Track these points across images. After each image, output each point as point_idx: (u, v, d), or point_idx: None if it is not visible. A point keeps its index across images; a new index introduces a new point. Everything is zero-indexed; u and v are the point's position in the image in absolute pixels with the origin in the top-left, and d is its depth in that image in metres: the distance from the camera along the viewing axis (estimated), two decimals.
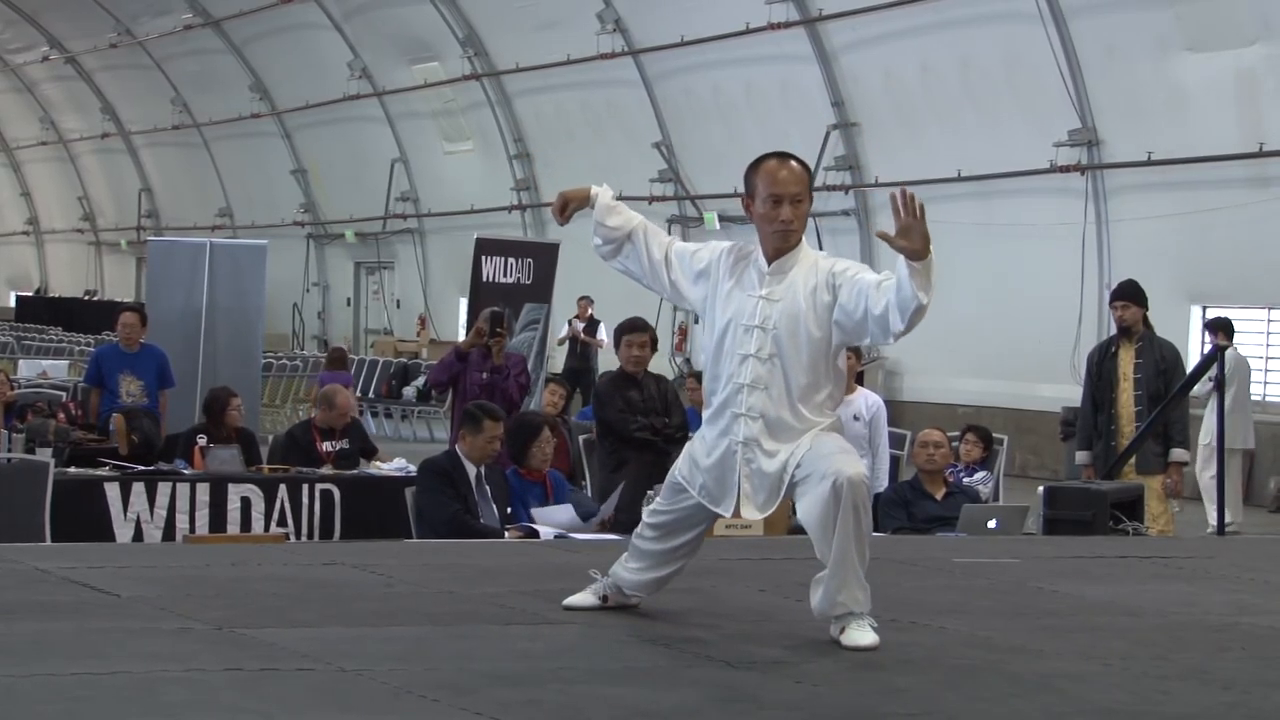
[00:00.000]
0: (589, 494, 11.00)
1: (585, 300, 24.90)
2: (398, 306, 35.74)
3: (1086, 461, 11.58)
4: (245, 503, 11.41)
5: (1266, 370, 19.75)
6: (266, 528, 11.35)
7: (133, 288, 43.25)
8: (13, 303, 46.21)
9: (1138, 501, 10.49)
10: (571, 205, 6.07)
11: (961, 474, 11.63)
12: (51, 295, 46.78)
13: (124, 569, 7.03)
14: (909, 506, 10.16)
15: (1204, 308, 19.50)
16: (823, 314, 5.68)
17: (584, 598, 6.17)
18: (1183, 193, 19.71)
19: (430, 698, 4.70)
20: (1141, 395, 11.36)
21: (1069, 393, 18.30)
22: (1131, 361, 11.45)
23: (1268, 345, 19.84)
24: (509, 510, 9.58)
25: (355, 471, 12.03)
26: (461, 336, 18.56)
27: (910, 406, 22.62)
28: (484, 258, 16.31)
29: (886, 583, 6.11)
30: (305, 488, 11.59)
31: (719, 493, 5.81)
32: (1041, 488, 10.26)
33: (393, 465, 12.21)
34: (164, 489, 11.24)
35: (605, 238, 6.04)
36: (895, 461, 12.13)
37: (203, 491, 11.32)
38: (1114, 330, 11.96)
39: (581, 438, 12.57)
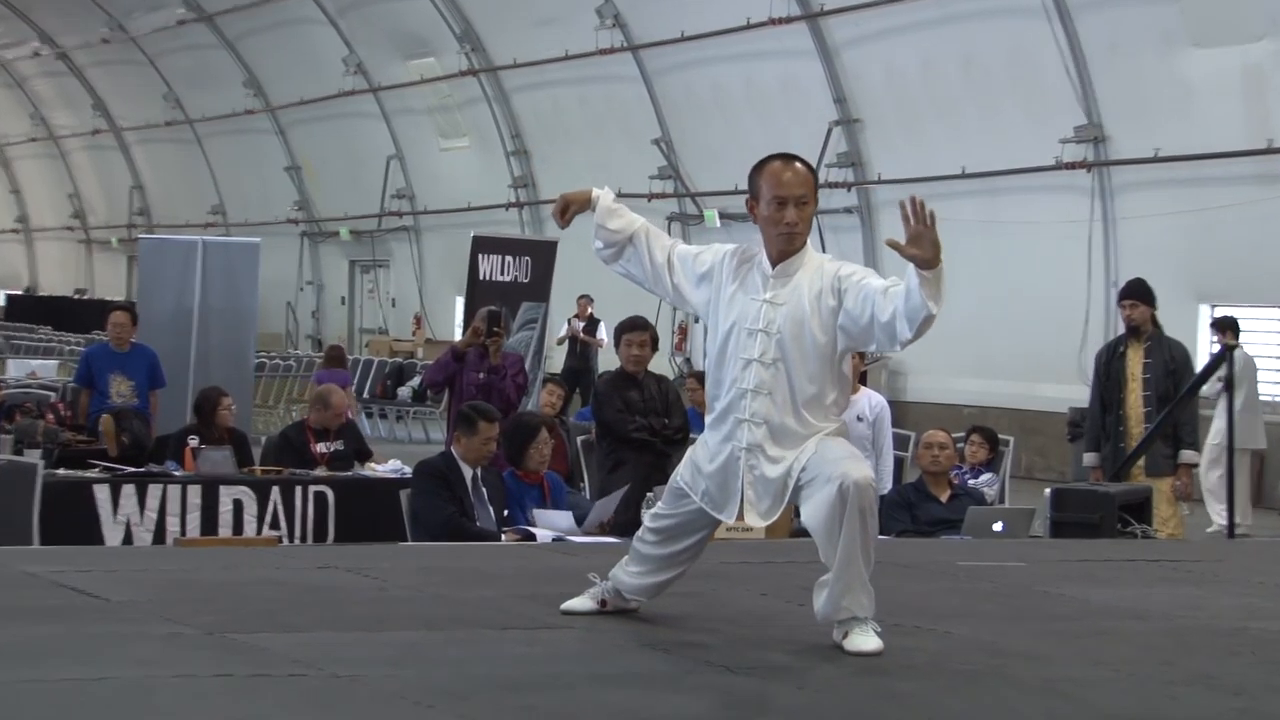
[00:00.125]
0: (587, 496, 10.99)
1: (585, 299, 24.89)
2: (393, 305, 35.74)
3: (1094, 463, 11.57)
4: (237, 505, 11.40)
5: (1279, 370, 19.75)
6: (259, 531, 11.34)
7: (124, 286, 43.25)
8: (2, 301, 46.21)
9: (1146, 504, 10.48)
10: (572, 208, 6.06)
11: (966, 476, 11.62)
12: (41, 294, 46.78)
13: (113, 572, 7.02)
14: (913, 509, 10.15)
15: (1212, 306, 19.48)
16: (827, 319, 5.67)
17: (582, 602, 6.16)
18: (1190, 190, 19.69)
19: (425, 704, 4.69)
20: (1150, 396, 11.35)
21: (1076, 393, 18.31)
22: (1140, 361, 11.44)
23: None
24: (506, 513, 9.56)
25: (350, 473, 12.01)
26: (458, 336, 18.56)
27: (914, 407, 22.62)
28: (481, 256, 16.31)
29: (890, 586, 6.10)
30: (299, 490, 11.58)
31: (722, 499, 5.80)
32: (1048, 490, 10.25)
33: (388, 467, 12.19)
34: (154, 491, 11.22)
35: (606, 241, 6.03)
36: (899, 463, 12.12)
37: (194, 494, 11.31)
38: (1122, 329, 11.95)
39: (580, 439, 12.56)
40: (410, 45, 32.19)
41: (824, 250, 6.53)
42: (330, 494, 11.64)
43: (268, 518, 11.45)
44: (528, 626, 5.98)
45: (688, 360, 27.18)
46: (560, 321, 24.67)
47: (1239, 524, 13.23)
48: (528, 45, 29.08)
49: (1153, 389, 11.35)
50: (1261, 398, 17.52)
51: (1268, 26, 19.05)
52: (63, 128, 45.79)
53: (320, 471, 11.92)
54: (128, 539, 11.05)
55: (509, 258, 16.51)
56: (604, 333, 23.85)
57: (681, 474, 5.93)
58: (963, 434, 12.10)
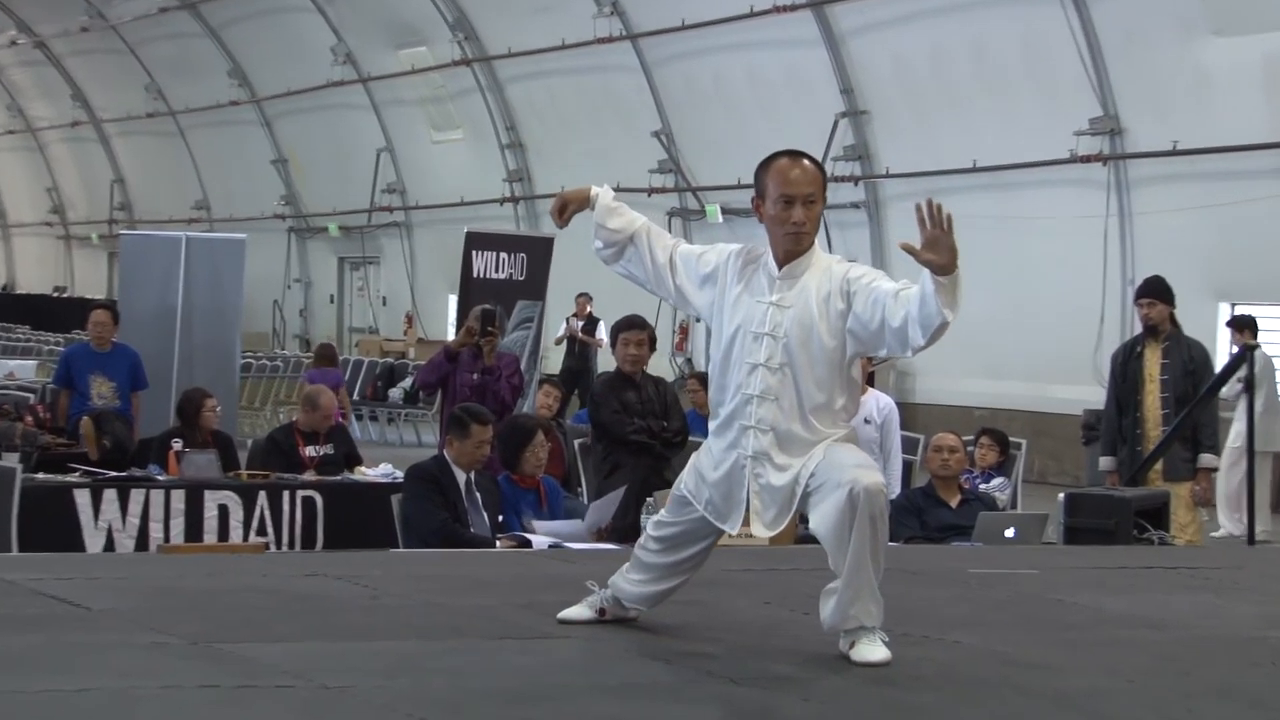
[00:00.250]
0: (585, 501, 11.00)
1: (584, 297, 24.88)
2: (383, 304, 35.75)
3: (1110, 467, 11.58)
4: (223, 510, 11.41)
5: None
6: (245, 537, 11.35)
7: (104, 284, 43.25)
8: None
9: (1163, 509, 10.49)
10: (570, 206, 6.07)
11: (977, 480, 11.63)
12: (19, 292, 46.77)
13: (95, 580, 7.03)
14: (922, 514, 10.16)
15: (1232, 305, 19.48)
16: (836, 322, 5.67)
17: (580, 610, 6.17)
18: (1210, 184, 19.70)
19: (418, 716, 4.70)
20: (1168, 397, 11.35)
21: (1090, 394, 18.30)
22: (1158, 362, 11.45)
23: None
24: (500, 518, 9.57)
25: (339, 478, 12.02)
26: (451, 335, 18.55)
27: (923, 409, 22.62)
28: (474, 252, 16.32)
29: (898, 594, 6.11)
30: (286, 495, 11.59)
31: (726, 508, 5.81)
32: (1062, 494, 10.26)
33: (378, 471, 12.20)
34: (137, 496, 11.23)
35: (606, 240, 6.04)
36: (908, 467, 12.13)
37: (178, 499, 11.32)
38: (1139, 329, 11.96)
39: (577, 442, 12.57)
40: (401, 34, 32.19)
41: (830, 247, 6.53)
42: (319, 499, 11.64)
43: (254, 524, 11.46)
44: (524, 636, 5.99)
45: (689, 361, 27.18)
46: (558, 320, 24.67)
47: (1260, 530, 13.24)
48: (523, 34, 29.08)
49: (1171, 390, 11.36)
50: None
51: None
52: (41, 119, 45.79)
53: (309, 476, 11.93)
54: (109, 545, 11.06)
55: (504, 254, 16.52)
56: (603, 332, 23.82)
57: (685, 481, 5.94)
58: (973, 437, 12.11)
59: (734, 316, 5.82)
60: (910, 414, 20.87)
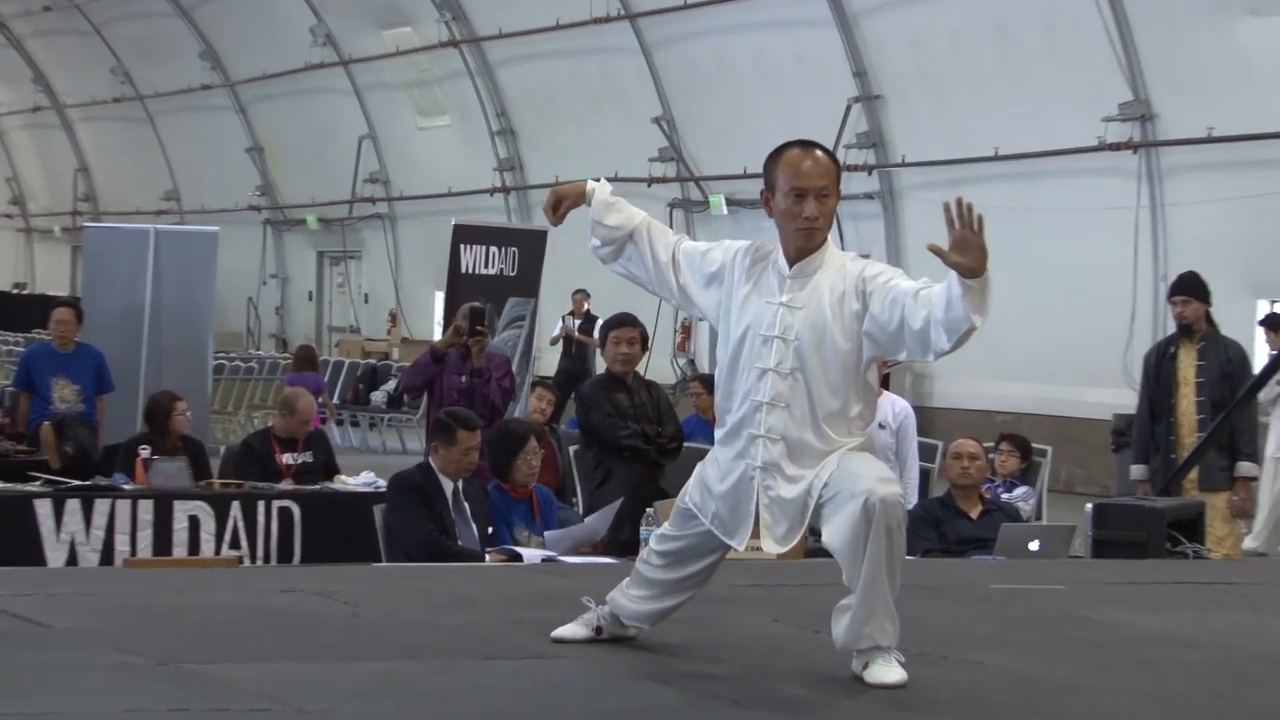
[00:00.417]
0: (579, 511, 10.99)
1: (581, 294, 24.86)
2: (365, 301, 35.76)
3: (1143, 476, 11.58)
4: (193, 522, 11.40)
5: None
6: (217, 550, 11.35)
7: (67, 280, 43.25)
8: None
9: (1198, 520, 10.49)
10: (565, 202, 6.07)
11: (999, 489, 11.63)
12: None
13: (57, 596, 7.02)
14: (940, 526, 10.16)
15: (1271, 302, 19.50)
16: (851, 324, 5.66)
17: (575, 629, 6.17)
18: (1247, 173, 19.70)
19: None
20: (1204, 402, 11.35)
21: (1121, 398, 18.29)
22: (1193, 364, 11.45)
23: None
24: (490, 530, 9.57)
25: (318, 487, 12.02)
26: (437, 335, 18.54)
27: (942, 413, 22.62)
28: (463, 246, 16.32)
29: (915, 611, 6.11)
30: (261, 505, 11.59)
31: (733, 523, 5.80)
32: (1089, 505, 10.26)
33: (360, 480, 12.20)
34: (102, 506, 11.23)
35: (604, 238, 6.04)
36: (925, 475, 12.13)
37: (145, 509, 11.32)
38: (1172, 328, 11.95)
39: (572, 449, 12.56)
40: (384, 13, 32.20)
41: (842, 241, 6.52)
42: (296, 510, 11.64)
43: (227, 536, 11.46)
44: (515, 656, 5.99)
45: (691, 362, 27.18)
46: (553, 319, 24.66)
47: None
48: (514, 13, 29.08)
49: (1206, 394, 11.36)
50: None
51: None
52: None
53: (286, 485, 11.93)
54: (72, 559, 11.06)
55: (494, 248, 16.52)
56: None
57: (690, 493, 5.94)
58: (995, 443, 12.10)
59: (742, 318, 5.81)
60: (928, 419, 20.85)
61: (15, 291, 44.69)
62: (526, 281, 16.76)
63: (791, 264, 5.78)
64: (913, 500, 10.95)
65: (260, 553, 11.49)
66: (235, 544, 11.45)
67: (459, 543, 9.32)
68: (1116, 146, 21.01)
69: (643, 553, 6.16)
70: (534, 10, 28.52)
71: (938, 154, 23.12)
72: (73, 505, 11.19)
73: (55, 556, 11.05)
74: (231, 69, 37.01)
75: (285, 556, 11.51)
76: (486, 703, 5.21)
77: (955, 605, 7.59)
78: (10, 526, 10.90)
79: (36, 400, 14.21)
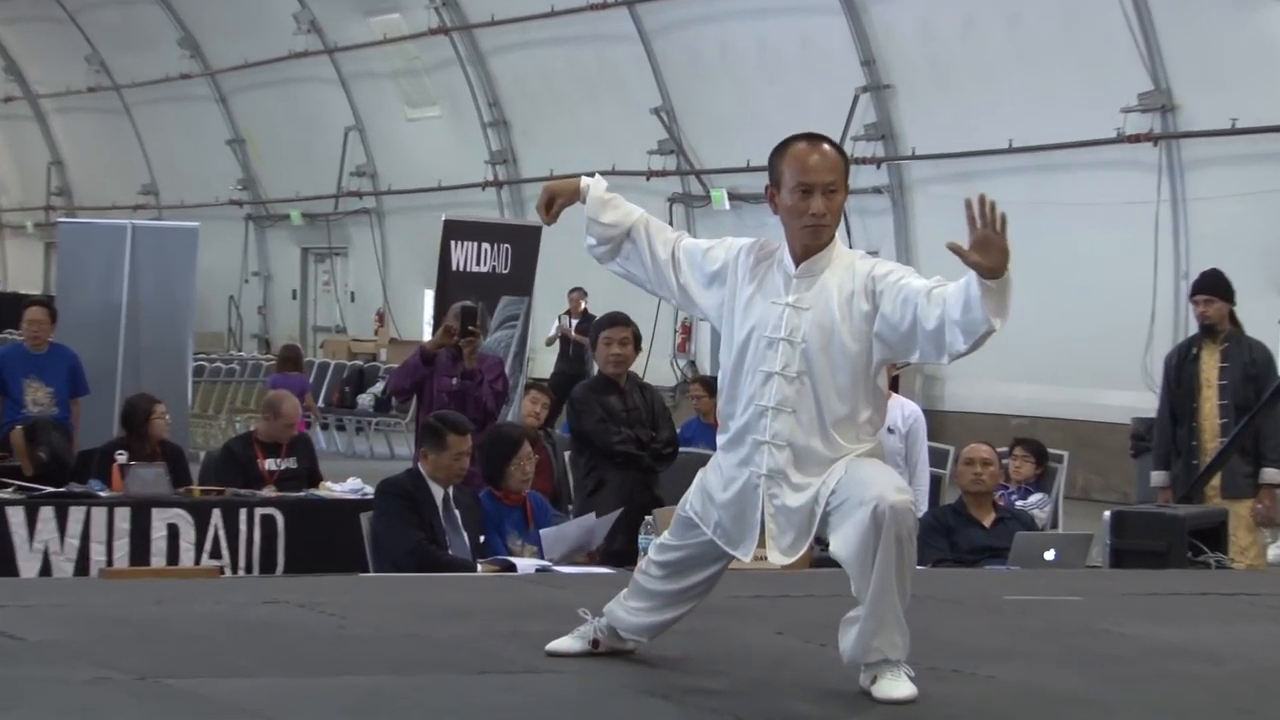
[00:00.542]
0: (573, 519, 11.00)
1: (578, 293, 24.86)
2: (352, 300, 35.75)
3: (1164, 483, 11.59)
4: (172, 530, 11.41)
5: None
6: (197, 560, 11.36)
7: (40, 278, 43.23)
8: None
9: (1221, 529, 10.50)
10: (559, 200, 6.08)
11: (1014, 496, 11.64)
12: None
13: (30, 608, 7.03)
14: (952, 534, 10.17)
15: None
16: (860, 325, 5.67)
17: (571, 642, 6.18)
18: (1272, 166, 19.71)
19: None
20: (1227, 405, 11.36)
21: (1140, 401, 18.29)
22: (1216, 366, 11.45)
23: None
24: (482, 539, 9.58)
25: (302, 494, 12.03)
26: (427, 335, 18.54)
27: (953, 417, 22.62)
28: (453, 243, 16.31)
29: (925, 623, 6.12)
30: (243, 513, 11.60)
31: (737, 533, 5.81)
32: (1107, 513, 10.27)
33: (346, 487, 12.21)
34: (76, 514, 11.24)
35: (600, 237, 6.05)
36: (936, 482, 12.14)
37: (122, 517, 11.33)
38: (1194, 328, 11.96)
39: (567, 454, 12.58)
40: None
41: (849, 237, 6.53)
42: (280, 517, 11.65)
43: (207, 545, 11.47)
44: (508, 670, 5.99)
45: (692, 363, 27.18)
46: (548, 319, 24.65)
47: None
48: None
49: (1230, 397, 11.36)
50: None
51: None
52: None
53: (269, 492, 11.93)
54: (45, 569, 11.07)
55: (486, 245, 16.51)
56: None
57: (691, 502, 5.94)
58: (1008, 448, 12.11)
59: (746, 320, 5.81)
60: (939, 423, 20.84)
61: None
62: (520, 279, 16.75)
63: (797, 263, 5.78)
64: (923, 508, 10.95)
65: (242, 562, 11.50)
66: (216, 553, 11.46)
67: (449, 552, 9.33)
68: (1136, 138, 21.01)
69: (641, 563, 6.16)
70: None
71: (949, 146, 23.11)
72: (46, 513, 11.20)
73: (28, 567, 11.06)
74: (212, 57, 37.00)
75: (268, 566, 11.52)
76: (478, 718, 5.22)
77: (967, 617, 7.59)
78: None
79: (8, 403, 14.20)
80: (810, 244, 5.77)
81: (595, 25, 27.81)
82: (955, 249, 5.37)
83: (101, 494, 11.56)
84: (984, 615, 7.71)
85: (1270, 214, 19.77)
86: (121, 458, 12.07)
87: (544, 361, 25.81)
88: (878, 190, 24.36)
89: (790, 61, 25.23)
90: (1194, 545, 10.03)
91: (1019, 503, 11.53)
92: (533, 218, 19.52)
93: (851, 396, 5.70)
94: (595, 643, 6.14)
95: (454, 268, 16.27)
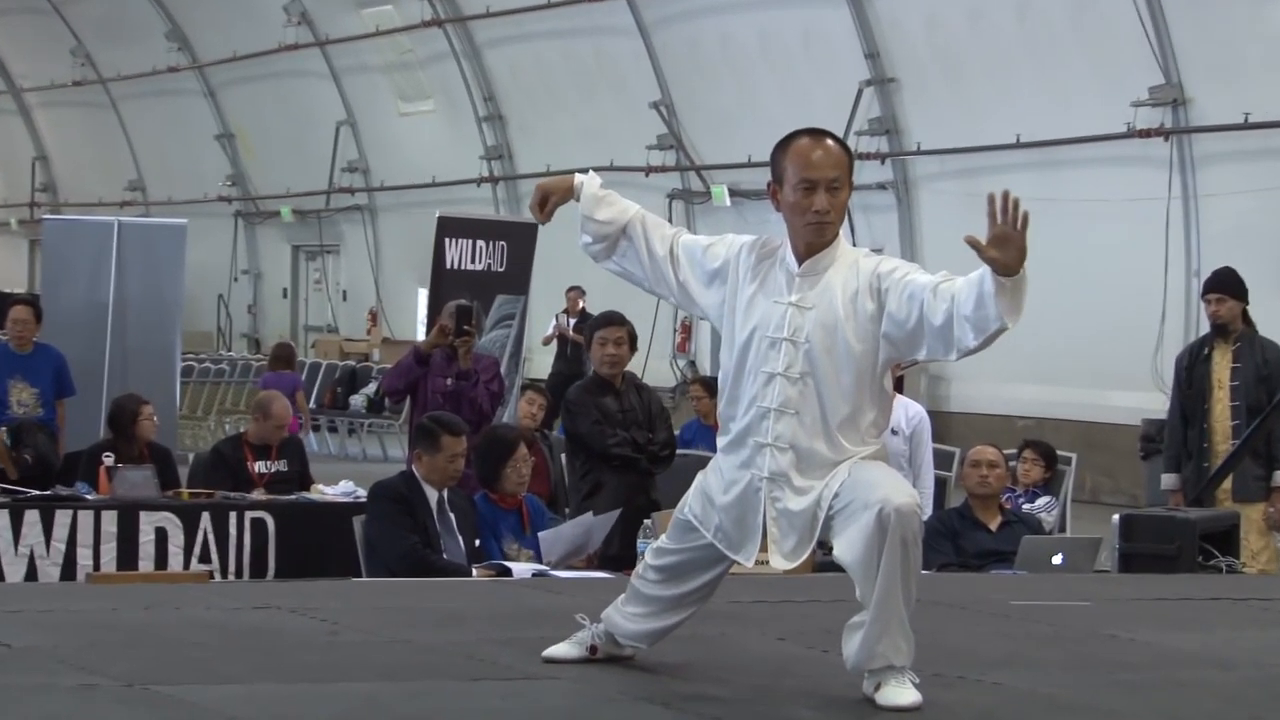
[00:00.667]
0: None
1: (575, 291, 24.87)
2: (344, 299, 35.75)
3: (1174, 486, 11.60)
4: (161, 534, 11.41)
5: None
6: (186, 564, 11.36)
7: (25, 276, 43.23)
8: None
9: (1232, 533, 10.51)
10: (552, 198, 6.09)
11: (1020, 499, 11.64)
12: None
13: (16, 613, 7.03)
14: (957, 538, 10.17)
15: None
16: (865, 325, 5.68)
17: (568, 648, 6.18)
18: None
19: None
20: (1239, 406, 11.37)
21: (1150, 402, 18.30)
22: (1228, 366, 11.47)
23: None
24: (477, 543, 9.58)
25: (293, 497, 12.03)
26: (421, 335, 18.54)
27: (959, 418, 22.64)
28: (447, 240, 16.32)
29: (930, 629, 6.13)
30: (233, 516, 11.59)
31: (739, 537, 5.81)
32: (1116, 516, 10.28)
33: (338, 490, 12.21)
34: (62, 518, 11.24)
35: (595, 234, 6.05)
36: (941, 485, 12.14)
37: (109, 521, 11.32)
38: (1206, 328, 11.97)
39: (564, 456, 12.59)
40: None
41: (852, 234, 6.54)
42: (270, 521, 11.65)
43: (196, 549, 11.46)
44: (504, 677, 6.00)
45: (692, 363, 27.18)
46: (545, 318, 24.65)
47: None
48: None
49: (1242, 398, 11.37)
50: None
51: None
52: None
53: (259, 495, 11.94)
54: (31, 574, 11.06)
55: (481, 242, 16.52)
56: None
57: (690, 505, 5.95)
58: (1015, 451, 12.12)
59: (748, 320, 5.82)
60: (944, 424, 20.85)
61: None
62: (516, 277, 16.76)
63: (800, 261, 5.79)
64: (927, 511, 10.96)
65: (232, 567, 11.50)
66: (205, 557, 11.45)
67: (444, 556, 9.33)
68: (1146, 133, 21.02)
69: (638, 567, 6.17)
70: None
71: (955, 141, 23.11)
72: (31, 517, 11.19)
73: (13, 571, 11.05)
74: (200, 50, 36.99)
75: (259, 571, 11.51)
76: None
77: (973, 623, 7.60)
78: None
79: None
80: (814, 242, 5.78)
81: (593, 17, 27.81)
82: (973, 242, 5.38)
83: (88, 497, 11.56)
84: (990, 621, 7.71)
85: None
86: (108, 460, 12.06)
87: (541, 362, 25.82)
88: (882, 186, 24.35)
89: (792, 54, 25.23)
90: (1205, 549, 10.04)
91: (1026, 506, 11.54)
92: (529, 214, 19.51)
93: (855, 398, 5.71)
94: (593, 649, 6.14)
95: (448, 266, 16.27)
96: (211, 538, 11.50)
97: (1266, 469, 11.35)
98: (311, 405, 24.79)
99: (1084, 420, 21.07)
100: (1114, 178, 21.48)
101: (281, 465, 12.34)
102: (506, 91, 30.63)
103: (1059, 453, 12.48)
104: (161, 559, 11.36)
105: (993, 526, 10.26)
